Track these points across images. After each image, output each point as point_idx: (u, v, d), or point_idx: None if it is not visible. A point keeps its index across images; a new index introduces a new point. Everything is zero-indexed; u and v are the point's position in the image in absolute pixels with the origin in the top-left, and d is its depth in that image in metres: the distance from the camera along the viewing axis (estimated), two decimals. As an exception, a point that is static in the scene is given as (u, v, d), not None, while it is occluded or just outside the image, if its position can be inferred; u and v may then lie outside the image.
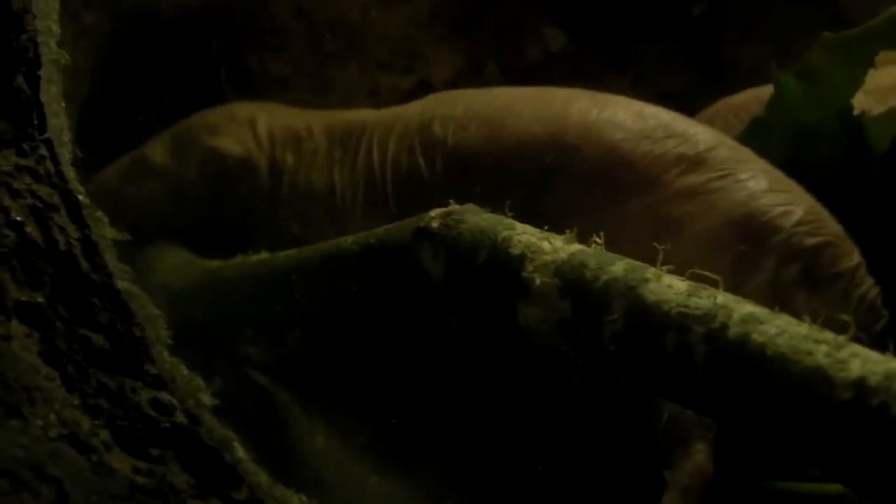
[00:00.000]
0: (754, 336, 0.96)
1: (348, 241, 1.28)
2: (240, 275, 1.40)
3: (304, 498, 1.12)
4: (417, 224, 1.23)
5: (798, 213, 1.36)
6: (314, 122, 1.68)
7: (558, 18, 2.58)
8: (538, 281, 1.11)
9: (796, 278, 1.27)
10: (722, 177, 1.38)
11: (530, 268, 1.12)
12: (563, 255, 1.11)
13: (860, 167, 1.52)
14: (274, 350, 1.42)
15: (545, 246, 1.13)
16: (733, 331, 0.97)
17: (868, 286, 1.35)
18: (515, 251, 1.15)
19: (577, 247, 1.12)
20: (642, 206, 1.37)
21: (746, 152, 1.44)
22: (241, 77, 2.16)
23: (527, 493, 1.36)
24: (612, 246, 1.13)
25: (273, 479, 1.12)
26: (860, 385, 0.91)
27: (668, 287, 1.03)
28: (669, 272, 1.05)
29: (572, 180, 1.39)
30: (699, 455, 1.26)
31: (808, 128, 1.57)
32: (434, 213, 1.23)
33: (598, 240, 1.13)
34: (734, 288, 1.06)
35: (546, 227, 1.17)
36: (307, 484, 1.20)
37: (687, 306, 1.01)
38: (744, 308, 0.99)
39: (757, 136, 1.55)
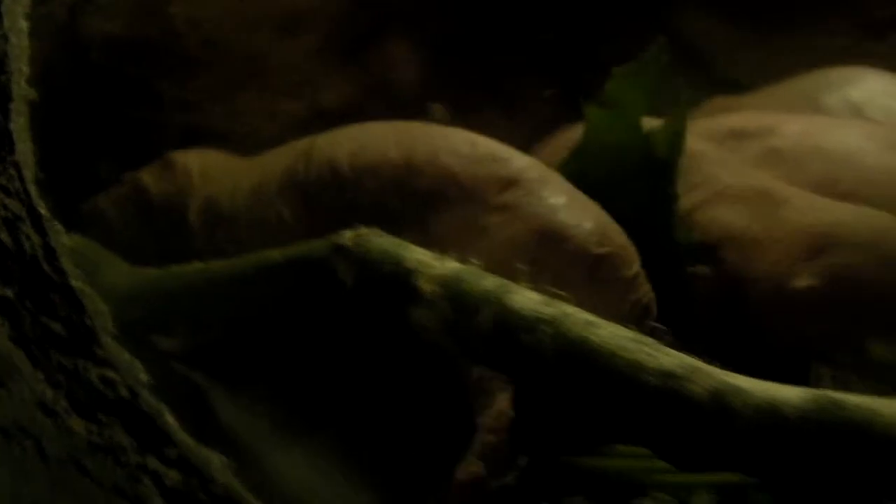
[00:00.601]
0: (591, 337, 1.29)
1: (275, 253, 1.57)
2: (177, 280, 1.68)
3: (223, 457, 1.40)
4: (335, 241, 1.53)
5: (588, 226, 1.69)
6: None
7: (436, 50, 2.88)
8: (427, 289, 1.42)
9: (580, 280, 1.59)
10: (530, 194, 1.71)
11: (421, 279, 1.43)
12: (446, 270, 1.42)
13: (648, 176, 1.88)
14: (203, 344, 1.69)
15: (433, 262, 1.44)
16: (574, 332, 1.30)
17: (643, 292, 1.69)
18: (410, 266, 1.45)
19: (457, 265, 1.43)
20: (468, 217, 1.69)
21: (554, 175, 1.79)
22: (154, 102, 2.41)
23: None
24: (439, 247, 1.46)
25: (197, 442, 1.39)
26: (667, 374, 1.24)
27: (527, 298, 1.35)
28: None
29: (417, 197, 1.71)
30: (501, 402, 1.58)
31: (611, 148, 1.91)
32: (347, 233, 1.53)
33: (474, 261, 1.45)
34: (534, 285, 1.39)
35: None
36: (225, 449, 1.48)
37: (541, 312, 1.33)
38: (585, 316, 1.32)
39: (578, 160, 1.90)
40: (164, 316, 1.67)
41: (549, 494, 1.57)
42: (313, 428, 1.69)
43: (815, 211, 1.85)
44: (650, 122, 1.96)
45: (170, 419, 1.40)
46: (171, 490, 1.37)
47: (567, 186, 1.79)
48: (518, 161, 1.79)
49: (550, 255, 1.65)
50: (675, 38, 2.98)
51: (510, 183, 1.75)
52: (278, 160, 1.93)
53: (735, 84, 2.68)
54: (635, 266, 1.72)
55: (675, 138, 1.92)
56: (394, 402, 1.72)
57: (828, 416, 1.18)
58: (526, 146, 2.31)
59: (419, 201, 1.76)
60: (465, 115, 2.50)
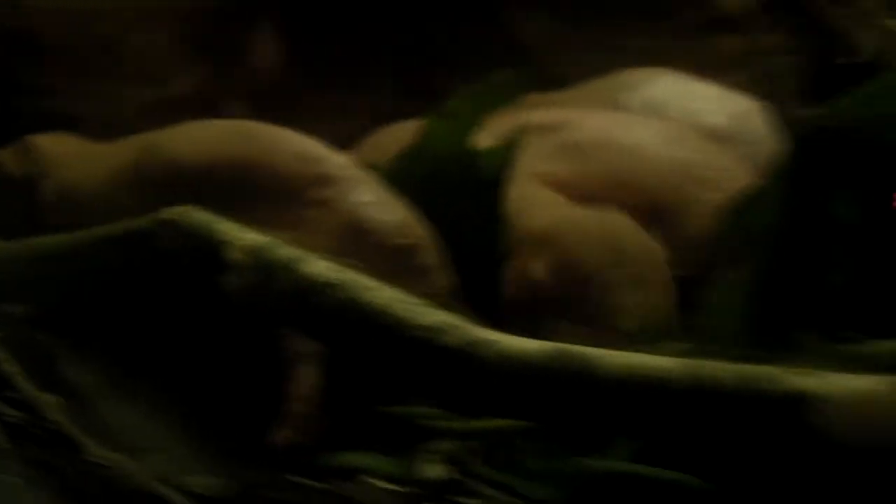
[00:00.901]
0: (367, 297, 1.51)
1: (119, 226, 1.78)
2: (25, 251, 1.87)
3: (61, 400, 1.60)
4: (161, 216, 1.73)
5: (392, 219, 1.92)
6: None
7: (291, 39, 3.07)
8: (235, 258, 1.62)
9: (383, 269, 1.80)
10: (342, 191, 1.93)
11: (230, 249, 1.64)
12: (252, 241, 1.63)
13: (473, 191, 2.10)
14: (49, 309, 1.88)
15: (242, 234, 1.65)
16: (355, 292, 1.51)
17: (441, 281, 1.92)
18: (221, 237, 1.66)
19: (263, 237, 1.64)
20: (292, 211, 1.91)
21: (365, 175, 2.00)
22: (13, 89, 2.58)
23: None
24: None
25: (37, 389, 1.59)
26: (429, 328, 1.46)
27: (319, 265, 1.57)
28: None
29: (250, 193, 1.93)
30: (310, 372, 1.79)
31: (439, 159, 2.13)
32: (174, 209, 1.73)
33: (280, 234, 1.66)
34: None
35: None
36: (66, 397, 1.67)
37: (328, 277, 1.55)
38: (365, 280, 1.54)
39: (405, 162, 2.11)
40: (12, 283, 1.86)
41: (348, 445, 1.78)
42: (147, 384, 1.89)
43: (549, 211, 2.11)
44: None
45: (13, 368, 1.60)
46: (12, 425, 1.58)
47: (377, 185, 2.01)
48: (335, 160, 2.01)
49: (357, 247, 1.85)
50: (506, 35, 3.23)
51: (326, 180, 1.96)
52: (128, 152, 2.11)
53: (562, 80, 2.92)
54: (434, 257, 1.95)
55: (506, 161, 2.13)
56: (220, 362, 1.92)
57: (560, 362, 1.41)
58: (364, 133, 2.55)
59: (251, 197, 1.95)
60: (310, 102, 2.69)
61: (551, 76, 3.09)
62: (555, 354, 1.42)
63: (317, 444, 1.80)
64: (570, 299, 1.96)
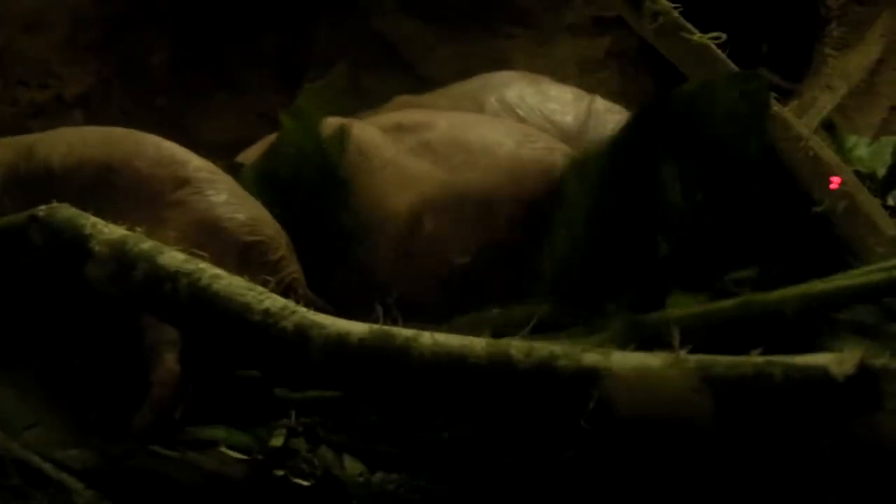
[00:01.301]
0: (214, 285, 1.67)
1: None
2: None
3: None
4: (32, 213, 1.88)
5: (241, 217, 2.09)
6: None
7: (175, 42, 3.22)
8: (97, 249, 1.78)
9: (234, 263, 1.96)
10: (197, 192, 2.10)
11: (94, 241, 1.79)
12: (115, 235, 1.79)
13: (323, 177, 2.29)
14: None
15: (105, 228, 1.80)
16: (204, 281, 1.68)
17: (288, 272, 2.10)
18: (87, 231, 1.81)
19: (124, 231, 1.80)
20: (153, 210, 2.07)
21: (221, 176, 2.17)
22: None
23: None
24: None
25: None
26: (266, 312, 1.63)
27: (173, 256, 1.73)
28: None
29: (114, 193, 2.09)
30: (169, 360, 1.96)
31: (295, 153, 2.31)
32: (43, 207, 1.88)
33: (139, 229, 1.81)
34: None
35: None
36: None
37: (181, 267, 1.71)
38: (214, 270, 1.70)
39: (268, 160, 2.29)
40: None
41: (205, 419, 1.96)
42: (21, 366, 2.04)
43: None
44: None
45: None
46: None
47: (231, 185, 2.19)
48: (193, 163, 2.18)
49: (210, 243, 1.99)
50: (382, 40, 3.41)
51: (184, 182, 2.14)
52: (5, 154, 2.26)
53: (430, 81, 3.10)
54: (281, 251, 2.13)
55: (342, 145, 2.32)
56: (88, 346, 2.08)
57: (380, 343, 1.58)
58: (251, 132, 2.71)
59: (116, 197, 2.11)
60: (199, 101, 2.84)
61: (422, 76, 3.29)
62: (377, 334, 1.59)
63: (177, 422, 1.96)
64: None
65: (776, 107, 1.99)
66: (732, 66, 1.99)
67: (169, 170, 2.15)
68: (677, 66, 2.03)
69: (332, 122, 2.40)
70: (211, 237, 2.06)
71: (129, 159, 2.16)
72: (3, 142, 2.28)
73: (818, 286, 1.66)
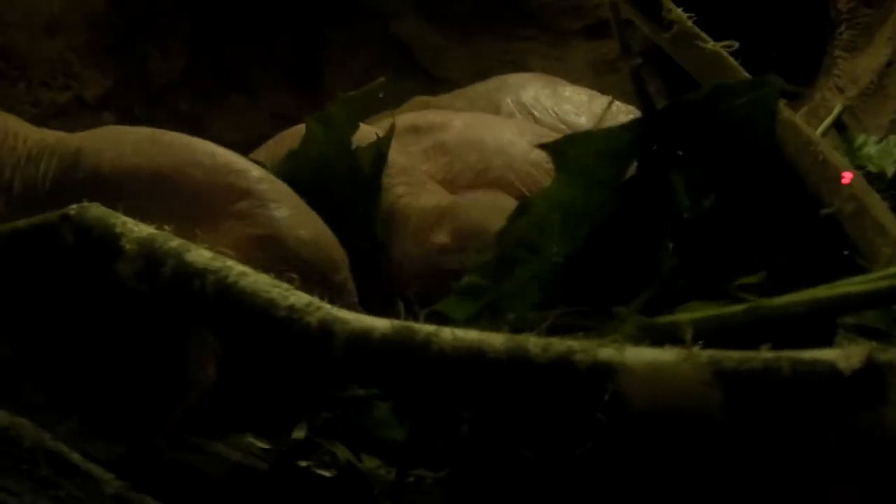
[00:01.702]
0: (241, 282, 1.72)
1: (22, 222, 1.98)
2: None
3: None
4: (64, 212, 1.93)
5: (306, 236, 2.11)
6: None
7: (190, 46, 3.29)
8: (128, 247, 1.83)
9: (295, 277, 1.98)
10: (260, 206, 2.11)
11: (124, 239, 1.85)
12: (144, 233, 1.84)
13: (352, 186, 2.34)
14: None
15: (134, 227, 1.86)
16: (231, 278, 1.73)
17: (348, 297, 2.11)
18: (117, 229, 1.87)
19: (153, 230, 1.85)
20: (207, 220, 2.08)
21: (282, 186, 2.17)
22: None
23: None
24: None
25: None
26: (291, 308, 1.68)
27: (201, 254, 1.78)
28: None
29: (166, 201, 2.10)
30: (210, 368, 2.02)
31: (321, 158, 2.36)
32: (74, 206, 1.93)
33: (167, 227, 1.86)
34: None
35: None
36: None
37: (208, 265, 1.76)
38: (240, 267, 1.75)
39: (291, 163, 2.34)
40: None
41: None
42: (55, 360, 2.10)
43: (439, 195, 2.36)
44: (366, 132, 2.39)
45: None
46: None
47: (294, 199, 2.16)
48: (252, 173, 2.16)
49: (271, 260, 1.99)
50: (395, 42, 3.47)
51: (245, 193, 2.12)
52: (50, 161, 2.26)
53: (445, 82, 3.17)
54: (343, 273, 2.13)
55: (379, 158, 2.36)
56: (121, 341, 2.14)
57: (401, 339, 1.64)
58: (265, 132, 2.76)
59: (169, 205, 2.09)
60: (214, 102, 2.90)
61: (437, 78, 3.35)
62: (399, 330, 1.65)
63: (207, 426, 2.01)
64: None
65: (786, 112, 2.03)
66: (745, 73, 2.02)
67: (226, 179, 2.13)
68: (692, 74, 2.07)
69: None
70: (272, 254, 2.06)
71: (182, 167, 2.14)
72: (47, 142, 2.29)
73: (825, 292, 1.71)
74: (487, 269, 1.92)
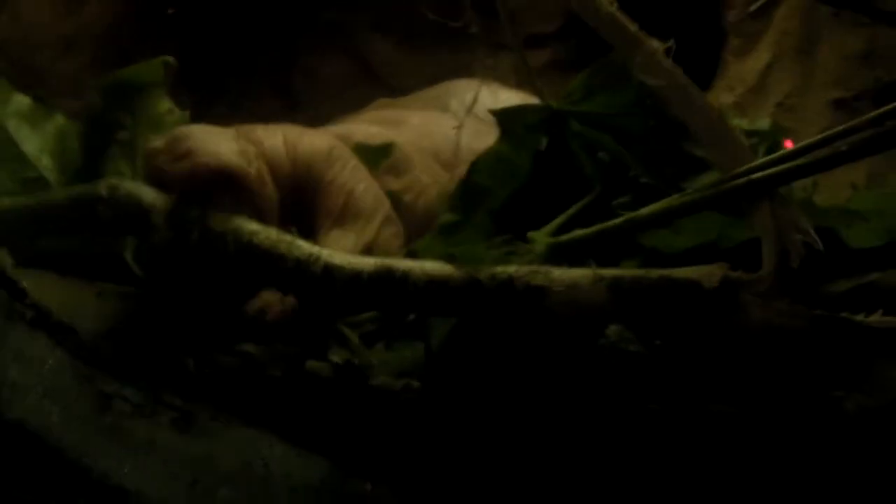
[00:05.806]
0: (254, 238, 2.20)
1: (62, 192, 2.43)
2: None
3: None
4: (97, 193, 2.33)
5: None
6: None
7: (180, 60, 3.74)
8: (157, 221, 2.29)
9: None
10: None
11: (154, 215, 2.28)
12: (169, 206, 2.27)
13: None
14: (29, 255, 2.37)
15: (158, 201, 2.28)
16: (245, 237, 2.21)
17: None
18: (147, 203, 2.32)
19: (173, 202, 2.28)
20: None
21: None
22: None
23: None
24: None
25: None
26: (297, 261, 2.18)
27: (219, 218, 2.24)
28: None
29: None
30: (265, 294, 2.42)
31: None
32: (105, 181, 2.34)
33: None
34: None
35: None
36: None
37: (226, 226, 2.22)
38: (251, 226, 2.20)
39: None
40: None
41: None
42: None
43: None
44: None
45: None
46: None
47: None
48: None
49: None
50: (355, 54, 3.98)
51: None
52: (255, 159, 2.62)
53: (404, 89, 3.69)
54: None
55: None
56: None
57: (384, 274, 2.14)
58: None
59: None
60: (203, 112, 3.39)
61: (396, 88, 3.88)
62: (381, 268, 2.15)
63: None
64: None
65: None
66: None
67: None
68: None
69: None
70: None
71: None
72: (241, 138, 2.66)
73: (675, 200, 2.20)
74: (457, 209, 2.42)
